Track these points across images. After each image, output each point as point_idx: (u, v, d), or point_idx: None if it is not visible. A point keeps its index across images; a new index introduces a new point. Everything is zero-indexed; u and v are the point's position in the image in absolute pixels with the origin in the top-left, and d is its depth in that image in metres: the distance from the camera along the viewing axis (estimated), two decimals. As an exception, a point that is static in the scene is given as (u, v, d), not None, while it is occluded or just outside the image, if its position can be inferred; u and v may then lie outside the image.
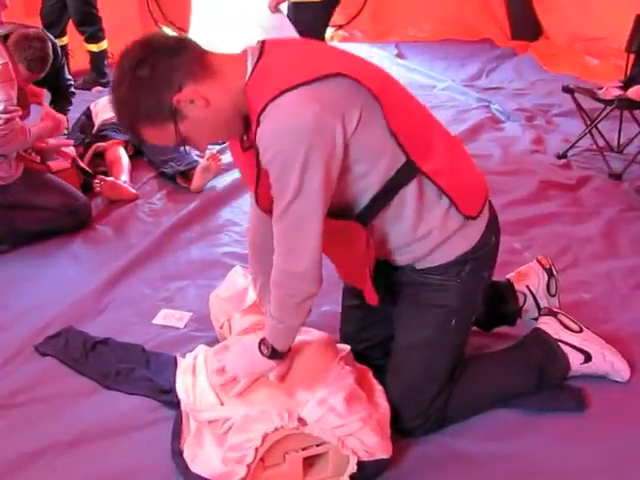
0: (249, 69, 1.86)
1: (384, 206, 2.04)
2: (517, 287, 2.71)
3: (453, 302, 2.20)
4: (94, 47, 6.39)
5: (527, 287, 2.71)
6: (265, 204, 2.03)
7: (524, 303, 2.70)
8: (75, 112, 4.94)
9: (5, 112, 3.29)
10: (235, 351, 2.23)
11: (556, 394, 2.43)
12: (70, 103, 4.77)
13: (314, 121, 1.78)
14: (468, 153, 2.25)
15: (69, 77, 4.76)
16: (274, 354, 2.10)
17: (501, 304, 2.68)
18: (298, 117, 1.78)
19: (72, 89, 4.78)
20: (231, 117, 1.91)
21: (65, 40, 6.26)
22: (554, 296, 2.73)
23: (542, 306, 2.69)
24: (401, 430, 2.24)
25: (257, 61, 1.87)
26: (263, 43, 1.92)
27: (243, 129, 1.96)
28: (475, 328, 2.63)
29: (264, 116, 1.80)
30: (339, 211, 2.01)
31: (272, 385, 2.12)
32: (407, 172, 2.00)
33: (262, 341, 2.10)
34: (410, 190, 2.02)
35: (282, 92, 1.78)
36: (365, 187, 2.01)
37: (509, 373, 2.43)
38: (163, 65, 1.80)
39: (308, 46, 2.08)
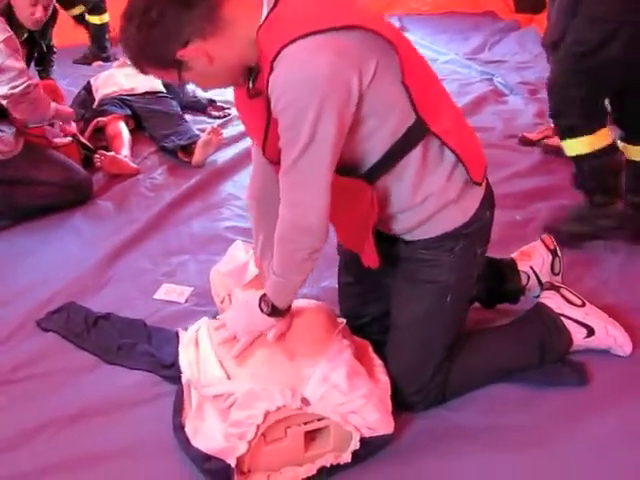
0: (264, 15, 1.81)
1: (391, 166, 2.01)
2: (520, 267, 2.69)
3: (448, 278, 2.18)
4: (96, 19, 6.31)
5: (531, 267, 2.69)
6: (272, 154, 1.99)
7: (527, 283, 2.69)
8: (75, 87, 4.92)
9: (26, 80, 3.38)
10: (235, 308, 2.23)
11: (558, 369, 2.43)
12: (52, 63, 4.70)
13: (329, 70, 1.74)
14: (470, 125, 2.23)
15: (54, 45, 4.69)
16: (274, 311, 2.09)
17: (504, 282, 2.67)
18: (313, 65, 1.74)
19: (54, 49, 4.69)
20: (237, 69, 1.90)
21: (106, 18, 6.27)
22: (558, 274, 2.72)
23: (543, 282, 2.67)
24: (401, 405, 2.23)
25: (273, 6, 1.82)
26: None
27: (248, 77, 1.93)
28: (477, 304, 2.62)
29: (278, 61, 1.76)
30: (346, 169, 1.98)
31: (275, 350, 2.12)
32: (416, 131, 1.97)
33: (262, 298, 2.09)
34: (416, 151, 1.99)
35: (296, 39, 1.73)
36: (375, 144, 1.97)
37: (511, 348, 2.42)
38: (171, 16, 1.76)
39: None
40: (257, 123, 1.97)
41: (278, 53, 1.75)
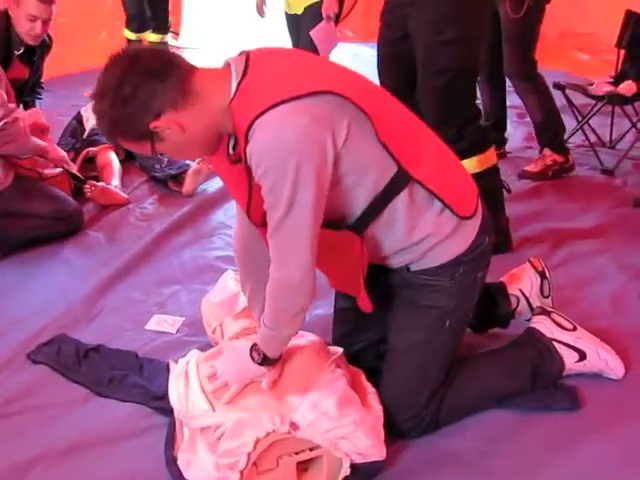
0: (233, 86, 1.87)
1: (377, 215, 2.05)
2: (510, 291, 2.69)
3: (447, 303, 2.20)
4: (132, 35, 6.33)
5: (520, 290, 2.70)
6: (257, 218, 2.04)
7: (517, 306, 2.69)
8: (66, 116, 4.92)
9: (8, 114, 3.33)
10: (226, 357, 2.23)
11: (550, 393, 2.43)
12: (39, 95, 4.65)
13: (303, 134, 1.80)
14: (455, 155, 2.24)
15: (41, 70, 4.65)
16: (265, 360, 2.10)
17: (493, 307, 2.68)
18: (287, 131, 1.79)
19: (42, 84, 4.68)
20: (208, 138, 1.96)
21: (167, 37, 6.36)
22: (547, 297, 2.72)
23: (534, 306, 2.68)
24: (394, 432, 2.23)
25: (242, 77, 1.87)
26: (248, 56, 1.92)
27: (219, 146, 2.00)
28: (467, 329, 2.62)
29: (253, 131, 1.81)
30: (332, 222, 2.01)
31: (263, 391, 2.12)
32: (399, 180, 2.01)
33: (253, 347, 2.11)
34: (402, 198, 2.03)
35: (268, 108, 1.79)
36: (356, 198, 2.02)
37: (504, 374, 2.42)
38: (144, 89, 1.81)
39: (294, 59, 2.07)
40: (239, 187, 2.01)
41: (252, 123, 1.80)
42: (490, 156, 3.27)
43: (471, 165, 3.05)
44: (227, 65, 1.92)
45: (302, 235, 1.91)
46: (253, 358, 2.11)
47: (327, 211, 1.95)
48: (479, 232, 2.18)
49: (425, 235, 2.09)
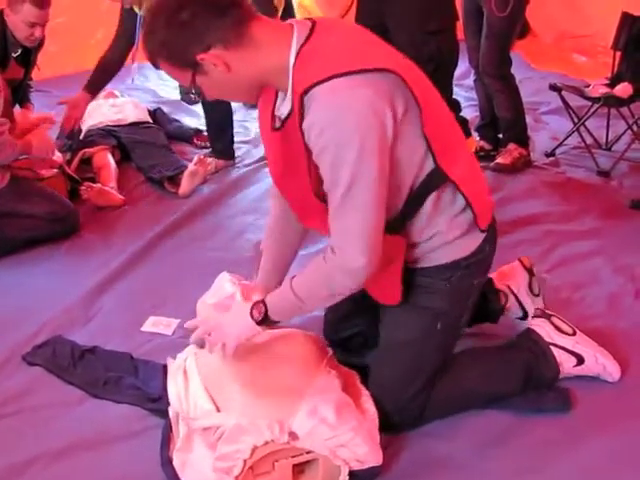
0: (294, 48, 1.84)
1: (415, 213, 2.05)
2: (498, 286, 2.71)
3: (440, 305, 2.20)
4: None
5: (508, 287, 2.72)
6: (290, 192, 2.09)
7: (506, 302, 2.70)
8: (62, 117, 4.91)
9: None
10: (223, 315, 2.24)
11: (542, 394, 2.43)
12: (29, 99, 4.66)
13: (367, 106, 1.77)
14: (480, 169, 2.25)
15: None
16: (264, 320, 2.08)
17: (484, 302, 2.67)
18: (351, 102, 1.76)
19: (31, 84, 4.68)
20: (251, 87, 1.93)
21: None
22: (538, 296, 2.73)
23: (525, 304, 2.70)
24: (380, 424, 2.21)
25: (305, 42, 1.84)
26: (314, 23, 1.90)
27: (258, 98, 1.99)
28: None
29: (310, 98, 1.79)
30: None
31: (264, 378, 2.13)
32: (435, 178, 2.00)
33: (255, 305, 2.08)
34: (432, 196, 2.03)
35: (330, 77, 1.77)
36: (400, 192, 2.01)
37: (496, 373, 2.42)
38: (202, 19, 1.80)
39: (358, 33, 2.02)
40: (276, 156, 2.03)
41: (309, 88, 1.78)
42: (470, 144, 3.35)
43: None
44: (290, 26, 1.89)
45: (365, 215, 1.86)
46: (252, 315, 2.08)
47: None
48: (483, 240, 2.19)
49: (434, 233, 2.10)
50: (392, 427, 2.26)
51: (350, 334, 2.49)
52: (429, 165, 1.98)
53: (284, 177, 2.08)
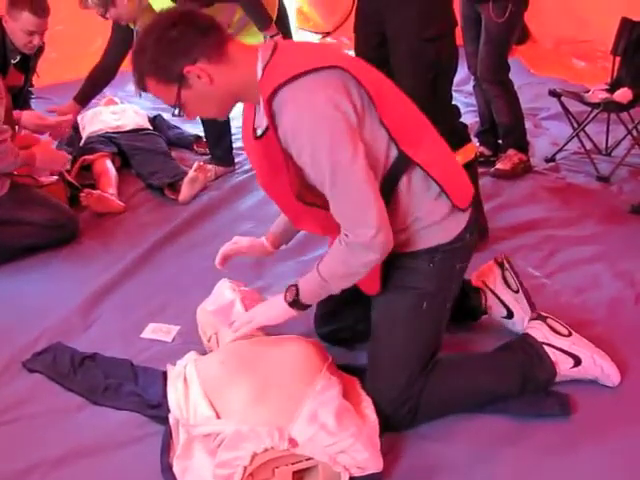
0: (260, 65, 2.06)
1: (391, 198, 2.17)
2: (475, 284, 2.80)
3: (424, 285, 2.29)
4: None
5: (483, 282, 2.79)
6: (294, 191, 2.17)
7: (485, 300, 2.77)
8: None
9: None
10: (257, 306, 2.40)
11: (540, 399, 2.43)
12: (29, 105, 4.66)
13: (327, 101, 1.96)
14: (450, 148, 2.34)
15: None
16: (295, 303, 2.22)
17: (463, 298, 2.73)
18: (313, 101, 1.96)
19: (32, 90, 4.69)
20: (228, 99, 2.14)
21: None
22: (517, 292, 2.76)
23: (505, 301, 2.75)
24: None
25: (269, 61, 2.06)
26: (276, 44, 2.12)
27: (230, 111, 2.21)
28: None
29: (279, 106, 1.99)
30: None
31: (264, 382, 2.13)
32: (401, 163, 2.15)
33: (289, 288, 2.24)
34: (403, 181, 2.17)
35: (290, 79, 1.97)
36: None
37: (489, 372, 2.45)
38: (189, 36, 2.02)
39: (314, 46, 2.31)
40: (261, 164, 2.22)
41: (274, 92, 1.98)
42: (470, 150, 3.38)
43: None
44: (257, 48, 2.12)
45: (358, 193, 2.02)
46: (285, 297, 2.23)
47: None
48: (463, 230, 2.29)
49: (414, 218, 2.22)
50: (385, 420, 2.27)
51: (340, 326, 2.63)
52: (394, 152, 2.13)
53: (271, 184, 2.26)
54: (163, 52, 2.01)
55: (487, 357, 2.54)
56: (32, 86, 4.59)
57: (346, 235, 2.07)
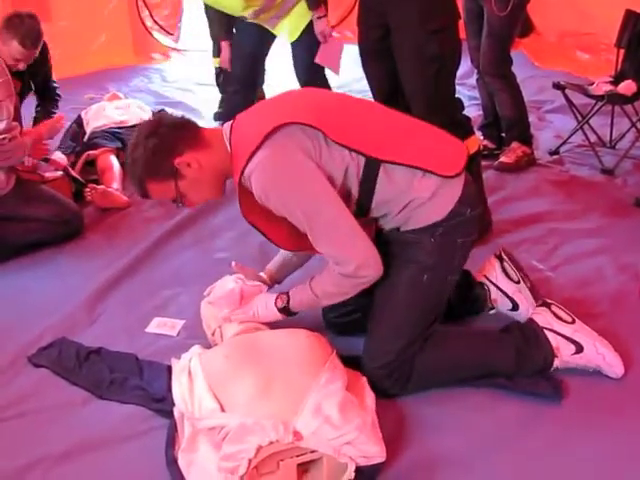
0: (227, 144, 2.34)
1: (370, 201, 2.36)
2: (478, 279, 2.83)
3: (426, 259, 2.39)
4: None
5: (485, 276, 2.82)
6: (287, 244, 2.53)
7: (489, 293, 2.80)
8: (66, 120, 4.92)
9: (8, 130, 3.35)
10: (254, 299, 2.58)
11: (534, 380, 2.47)
12: (56, 106, 4.68)
13: (281, 157, 2.22)
14: (431, 124, 2.48)
15: (54, 80, 4.70)
16: (284, 310, 2.47)
17: (467, 289, 2.80)
18: (273, 165, 2.22)
19: (57, 91, 4.71)
20: (218, 178, 2.40)
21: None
22: (519, 282, 2.78)
23: (508, 292, 2.77)
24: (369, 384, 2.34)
25: (230, 138, 2.34)
26: (234, 120, 2.40)
27: (223, 189, 2.48)
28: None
29: (247, 179, 2.26)
30: None
31: (268, 374, 2.15)
32: (371, 166, 2.30)
33: (280, 295, 2.48)
34: (382, 179, 2.31)
35: (248, 160, 2.22)
36: (350, 195, 2.35)
37: (482, 344, 2.54)
38: (170, 136, 2.30)
39: (263, 107, 2.55)
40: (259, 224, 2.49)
41: (241, 174, 2.26)
42: (473, 143, 3.40)
43: None
44: (220, 129, 2.42)
45: (336, 232, 2.26)
46: (276, 303, 2.47)
47: None
48: (458, 203, 2.37)
49: (410, 200, 2.34)
50: (376, 383, 2.36)
51: (352, 309, 2.67)
52: (361, 160, 2.30)
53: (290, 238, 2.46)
54: (154, 155, 2.28)
55: (482, 331, 2.66)
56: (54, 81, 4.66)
57: (337, 269, 2.28)
